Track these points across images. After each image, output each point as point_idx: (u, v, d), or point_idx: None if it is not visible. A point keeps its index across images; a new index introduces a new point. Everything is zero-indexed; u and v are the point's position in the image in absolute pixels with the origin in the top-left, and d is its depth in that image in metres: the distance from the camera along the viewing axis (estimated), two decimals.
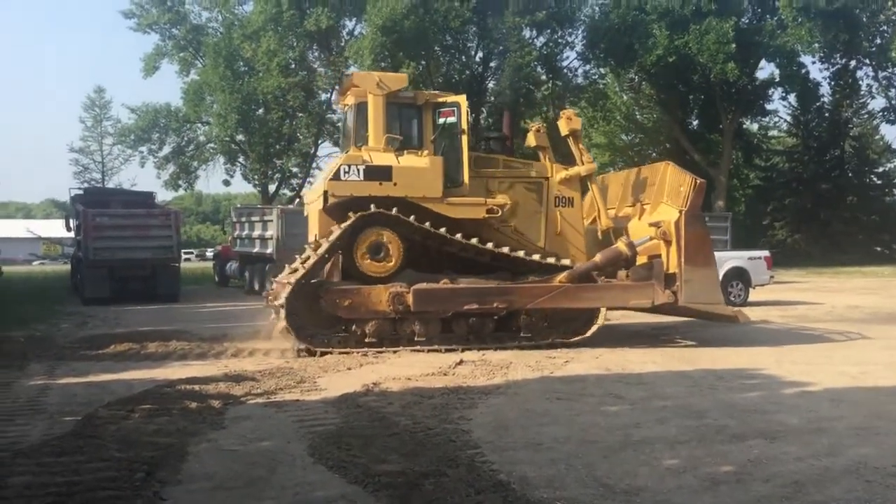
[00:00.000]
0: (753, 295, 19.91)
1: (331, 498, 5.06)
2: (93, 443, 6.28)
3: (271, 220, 23.23)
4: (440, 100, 12.54)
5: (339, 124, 44.94)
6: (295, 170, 46.34)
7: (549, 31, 41.79)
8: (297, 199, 45.55)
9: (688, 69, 41.36)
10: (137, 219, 22.34)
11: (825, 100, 51.07)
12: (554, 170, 12.92)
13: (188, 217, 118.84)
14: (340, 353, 11.14)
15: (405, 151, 12.03)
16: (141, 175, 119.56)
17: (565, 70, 44.27)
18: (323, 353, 11.10)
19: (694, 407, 7.68)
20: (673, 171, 12.57)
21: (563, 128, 12.96)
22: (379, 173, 11.67)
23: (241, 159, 45.23)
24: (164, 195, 69.91)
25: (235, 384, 8.77)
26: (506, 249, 12.00)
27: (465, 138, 12.31)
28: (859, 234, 49.70)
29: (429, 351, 11.35)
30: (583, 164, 12.90)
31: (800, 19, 38.19)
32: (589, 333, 12.06)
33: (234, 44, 40.36)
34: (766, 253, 21.17)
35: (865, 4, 40.79)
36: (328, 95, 44.28)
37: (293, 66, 40.57)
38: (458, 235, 11.77)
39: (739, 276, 19.54)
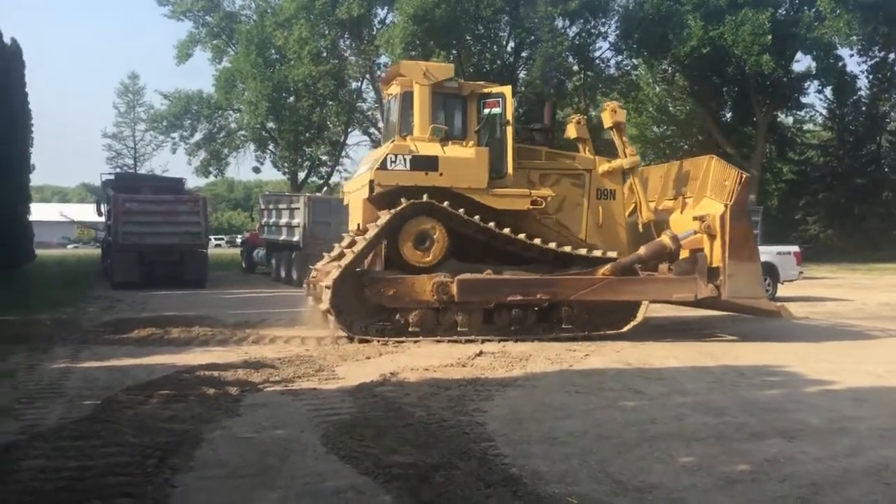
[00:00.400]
0: (781, 290, 19.62)
1: (340, 489, 5.05)
2: (109, 427, 6.34)
3: (298, 208, 23.35)
4: (485, 90, 12.54)
5: (370, 113, 45.05)
6: (324, 158, 46.51)
7: (581, 20, 41.45)
8: (325, 187, 45.88)
9: (722, 61, 40.82)
10: (166, 204, 22.58)
11: (862, 93, 50.09)
12: (597, 162, 12.93)
13: (219, 203, 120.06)
14: (381, 342, 11.18)
15: (450, 142, 12.07)
16: (172, 161, 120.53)
17: (597, 61, 43.92)
18: (362, 341, 11.17)
19: (713, 404, 7.57)
20: (717, 164, 12.51)
21: (608, 120, 13.01)
22: (425, 163, 11.73)
23: (271, 147, 45.53)
24: (195, 181, 70.53)
25: (254, 371, 8.81)
26: (552, 244, 12.08)
27: (509, 129, 12.30)
28: (894, 230, 48.72)
29: (449, 341, 11.34)
30: (626, 156, 12.89)
31: (838, 11, 37.46)
32: (630, 326, 12.04)
33: (267, 31, 40.54)
34: (795, 248, 20.86)
35: None
36: (358, 84, 44.44)
37: (324, 54, 40.66)
38: (504, 227, 11.81)
39: (768, 272, 19.12)
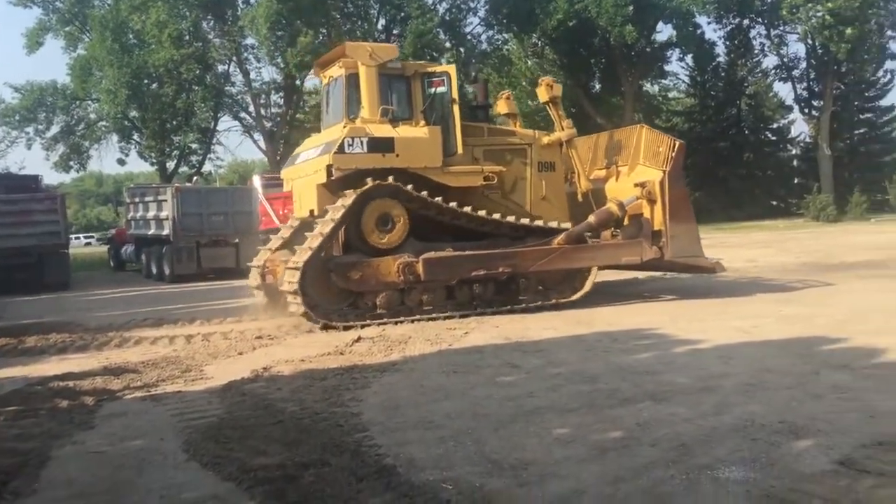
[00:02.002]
0: None
1: (200, 499, 4.71)
2: None
3: (166, 200, 22.37)
4: (429, 70, 12.63)
5: (240, 97, 43.46)
6: (194, 146, 44.74)
7: None
8: (197, 177, 44.25)
9: (588, 33, 41.80)
10: (20, 204, 21.16)
11: (721, 60, 52.47)
12: (537, 136, 13.36)
13: (87, 199, 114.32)
14: (379, 324, 11.19)
15: (400, 122, 12.05)
16: (29, 157, 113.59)
17: (469, 36, 44.10)
18: (346, 328, 11.05)
19: (587, 372, 7.62)
20: (648, 133, 13.25)
21: (543, 95, 13.46)
22: (382, 145, 11.73)
23: (135, 137, 43.38)
24: (57, 178, 66.55)
25: (114, 378, 8.23)
26: (526, 220, 12.51)
27: (456, 108, 12.40)
28: (756, 190, 51.54)
29: (326, 328, 11.09)
30: (563, 129, 13.28)
31: None
32: (585, 290, 12.49)
33: (122, 16, 38.44)
34: None
35: None
36: (226, 67, 42.94)
37: (186, 37, 38.95)
38: (454, 204, 11.94)
39: None
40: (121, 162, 45.66)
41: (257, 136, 44.32)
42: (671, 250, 12.44)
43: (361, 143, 11.58)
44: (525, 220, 12.49)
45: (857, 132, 52.38)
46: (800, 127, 78.51)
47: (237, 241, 22.90)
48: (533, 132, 13.64)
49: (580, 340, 9.47)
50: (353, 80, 12.07)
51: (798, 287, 13.86)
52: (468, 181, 12.36)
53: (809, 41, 45.93)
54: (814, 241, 27.04)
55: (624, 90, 47.48)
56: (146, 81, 39.53)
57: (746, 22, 49.48)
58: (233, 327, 11.75)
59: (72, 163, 44.74)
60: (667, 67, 51.37)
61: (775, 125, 56.55)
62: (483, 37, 45.23)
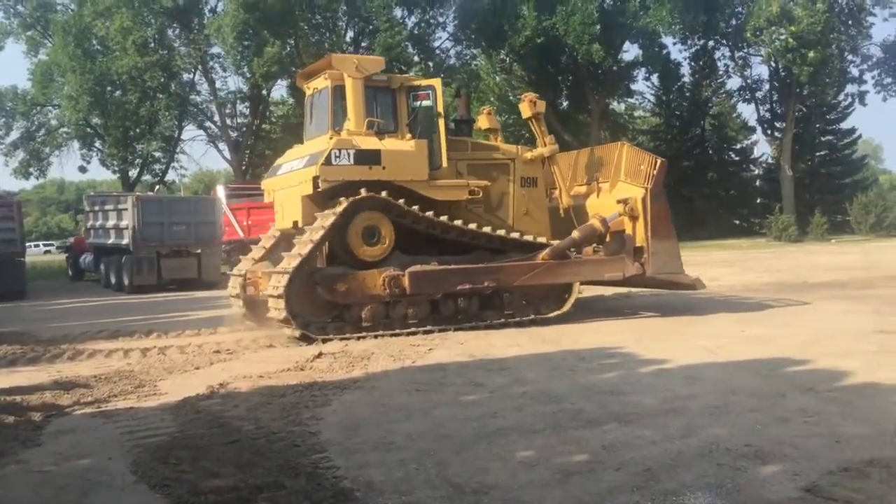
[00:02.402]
0: None
1: None
2: None
3: (126, 209, 21.91)
4: (415, 83, 12.61)
5: (204, 106, 42.97)
6: (157, 154, 44.11)
7: (420, 10, 41.53)
8: (160, 185, 43.64)
9: (556, 50, 42.05)
10: None
11: (686, 80, 53.14)
12: (520, 151, 13.39)
13: (49, 207, 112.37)
14: (342, 338, 11.03)
15: (385, 135, 11.97)
16: None
17: (437, 51, 44.18)
18: (325, 341, 10.91)
19: (553, 392, 7.50)
20: (630, 150, 13.30)
21: (526, 111, 13.47)
22: (369, 157, 11.65)
23: (97, 144, 42.65)
24: (17, 184, 65.33)
25: (64, 392, 7.93)
26: (516, 234, 12.52)
27: (441, 122, 12.36)
28: (719, 209, 52.18)
29: (305, 339, 10.97)
30: (545, 145, 13.34)
31: (661, 0, 39.33)
32: (567, 307, 12.47)
33: (85, 21, 37.86)
34: None
35: None
36: (191, 76, 42.46)
37: (151, 44, 38.47)
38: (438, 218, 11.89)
39: None
40: (82, 169, 45.06)
41: (222, 145, 43.91)
42: (652, 266, 12.54)
43: (348, 154, 11.48)
44: (528, 237, 12.53)
45: (818, 154, 53.33)
46: (762, 148, 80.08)
47: (199, 251, 22.54)
48: (516, 147, 13.66)
49: (546, 359, 9.35)
50: (338, 92, 12.00)
51: (762, 307, 13.92)
52: (453, 195, 12.34)
53: (773, 64, 46.71)
54: (776, 260, 27.33)
55: (591, 108, 47.82)
56: (109, 88, 38.97)
57: (711, 43, 50.18)
58: (190, 341, 11.49)
59: (32, 169, 43.91)
60: (633, 86, 52.02)
61: (738, 146, 57.43)
62: (452, 52, 45.43)
